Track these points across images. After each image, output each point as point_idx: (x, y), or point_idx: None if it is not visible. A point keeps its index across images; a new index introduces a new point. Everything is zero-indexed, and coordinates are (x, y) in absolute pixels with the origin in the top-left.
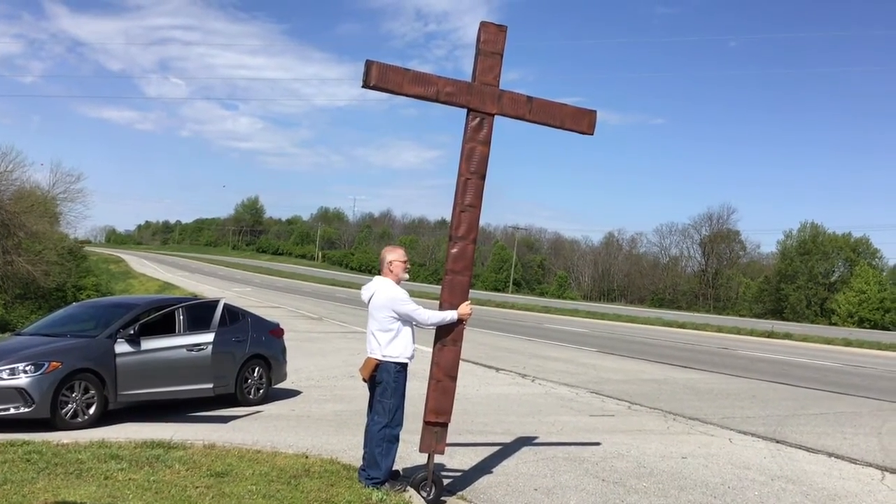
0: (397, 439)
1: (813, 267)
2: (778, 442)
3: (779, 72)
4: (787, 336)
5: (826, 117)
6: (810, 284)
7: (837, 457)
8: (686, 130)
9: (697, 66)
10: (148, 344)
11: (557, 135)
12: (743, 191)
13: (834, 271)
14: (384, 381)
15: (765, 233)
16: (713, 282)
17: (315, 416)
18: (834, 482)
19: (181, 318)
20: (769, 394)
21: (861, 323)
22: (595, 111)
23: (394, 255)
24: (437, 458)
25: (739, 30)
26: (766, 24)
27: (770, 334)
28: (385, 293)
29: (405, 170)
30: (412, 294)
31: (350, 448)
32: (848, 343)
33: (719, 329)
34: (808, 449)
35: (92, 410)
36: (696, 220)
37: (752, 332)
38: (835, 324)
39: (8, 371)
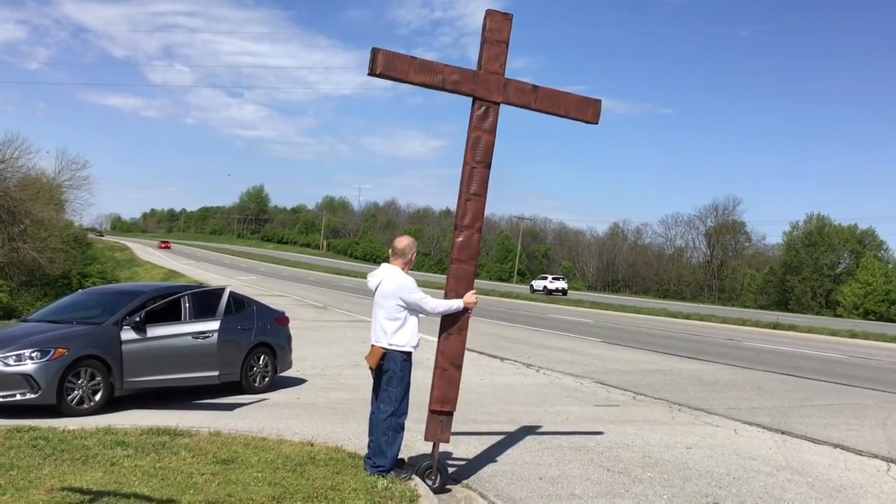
0: (403, 428)
1: (818, 258)
2: (783, 433)
3: (788, 62)
4: (793, 328)
5: (834, 109)
6: (816, 276)
7: (843, 448)
8: (693, 120)
9: (707, 56)
10: (154, 331)
11: (563, 124)
12: (749, 182)
13: (840, 263)
14: (390, 369)
15: (770, 224)
16: (718, 273)
17: (320, 405)
18: (839, 473)
19: (187, 305)
20: (774, 385)
21: (866, 315)
22: (600, 100)
23: (416, 247)
24: (443, 447)
25: (750, 19)
26: (777, 14)
27: (775, 326)
28: (393, 281)
29: (410, 159)
30: (417, 283)
31: (355, 436)
32: (853, 335)
33: (724, 320)
34: (813, 440)
35: (98, 397)
36: (701, 211)
37: (757, 324)
38: (840, 315)
39: (14, 357)
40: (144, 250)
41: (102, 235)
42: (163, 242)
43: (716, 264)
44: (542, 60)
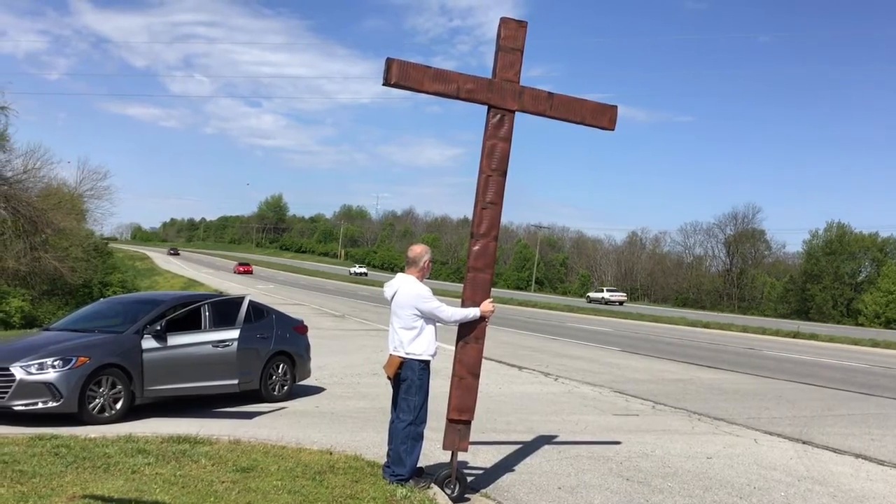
0: (422, 437)
1: (839, 267)
2: (804, 443)
3: (808, 68)
4: (814, 336)
5: (854, 115)
6: (836, 284)
7: (865, 458)
8: (713, 128)
9: (726, 63)
10: (174, 340)
11: (581, 131)
12: (769, 189)
13: (861, 271)
14: (408, 378)
15: (790, 232)
16: (738, 281)
17: (339, 413)
18: (861, 483)
19: (207, 314)
20: (795, 394)
21: (888, 324)
22: (616, 106)
23: (429, 255)
24: (461, 456)
25: (769, 26)
26: (797, 20)
27: (796, 335)
28: (409, 290)
29: (428, 167)
30: (434, 292)
31: (374, 445)
32: (875, 344)
33: (744, 329)
34: (834, 450)
35: (119, 405)
36: (720, 220)
37: (777, 333)
38: (861, 324)
39: (37, 366)
40: (164, 259)
41: (178, 253)
42: (242, 265)
43: (735, 273)
44: (561, 68)
